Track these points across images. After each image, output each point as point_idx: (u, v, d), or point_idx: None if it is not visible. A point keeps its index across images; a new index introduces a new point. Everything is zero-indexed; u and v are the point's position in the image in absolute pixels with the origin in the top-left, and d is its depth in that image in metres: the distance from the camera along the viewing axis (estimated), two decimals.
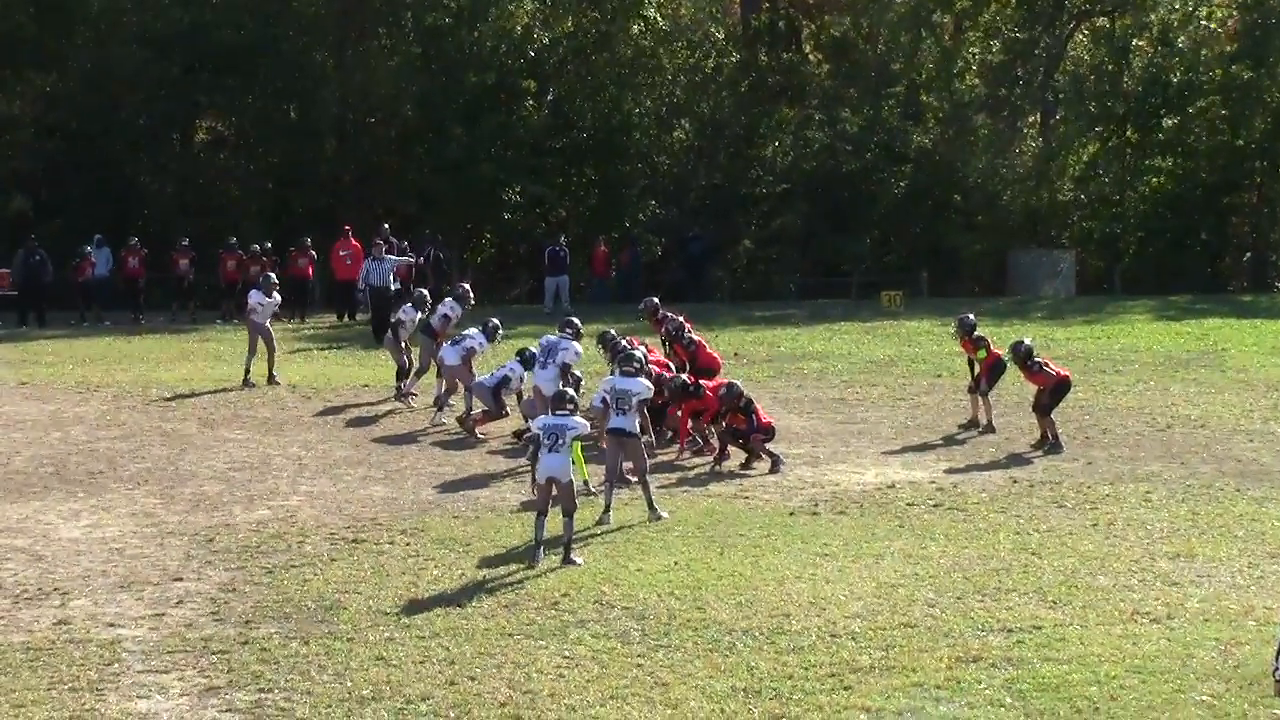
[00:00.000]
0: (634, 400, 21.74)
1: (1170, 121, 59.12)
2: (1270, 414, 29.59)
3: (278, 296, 33.54)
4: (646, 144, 56.22)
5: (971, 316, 29.97)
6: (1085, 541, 20.52)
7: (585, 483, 21.95)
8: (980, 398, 28.61)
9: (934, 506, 22.48)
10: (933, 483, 24.03)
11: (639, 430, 22.25)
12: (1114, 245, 59.16)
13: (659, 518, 21.56)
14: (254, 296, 32.95)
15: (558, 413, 20.39)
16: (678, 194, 56.73)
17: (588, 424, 20.84)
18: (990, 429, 28.16)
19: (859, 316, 43.81)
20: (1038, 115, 60.53)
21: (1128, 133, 58.97)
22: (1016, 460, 25.78)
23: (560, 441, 19.86)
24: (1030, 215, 57.89)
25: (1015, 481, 24.08)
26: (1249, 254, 60.40)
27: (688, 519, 21.67)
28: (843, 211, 55.20)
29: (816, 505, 22.64)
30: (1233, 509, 22.26)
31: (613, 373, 23.55)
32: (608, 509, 21.57)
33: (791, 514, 22.12)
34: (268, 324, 32.73)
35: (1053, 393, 27.15)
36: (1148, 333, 41.25)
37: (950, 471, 24.89)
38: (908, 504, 22.63)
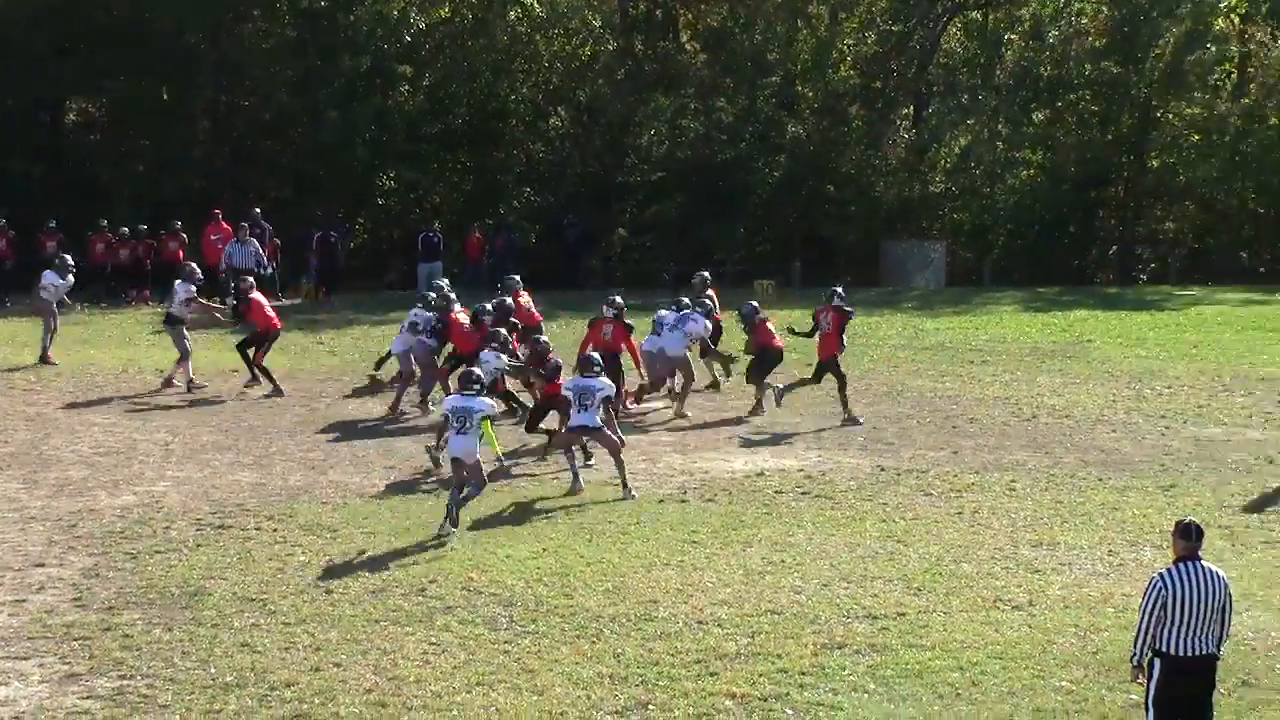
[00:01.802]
0: (597, 397, 22.01)
1: (1040, 115, 59.62)
2: (1133, 404, 29.92)
3: (71, 279, 33.79)
4: (522, 131, 56.05)
5: (754, 304, 30.75)
6: (950, 529, 20.69)
7: (499, 458, 21.99)
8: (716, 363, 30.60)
9: (802, 494, 22.59)
10: (801, 470, 24.13)
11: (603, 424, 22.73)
12: (984, 237, 59.59)
13: (632, 496, 22.13)
14: (48, 277, 33.37)
15: (465, 394, 20.73)
16: (553, 181, 56.57)
17: (495, 405, 21.46)
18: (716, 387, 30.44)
19: (732, 305, 43.82)
20: (911, 107, 60.84)
21: (999, 125, 59.41)
22: (885, 449, 25.92)
23: (468, 423, 20.35)
24: (902, 206, 58.16)
25: (882, 470, 24.22)
26: (1115, 247, 60.99)
27: (556, 506, 21.64)
28: (717, 200, 55.18)
29: (685, 493, 22.68)
30: (1095, 497, 22.50)
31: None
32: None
33: (660, 501, 22.15)
34: (54, 305, 33.22)
35: (760, 358, 28.57)
36: (1015, 324, 41.60)
37: (819, 460, 25.00)
38: (776, 492, 22.72)
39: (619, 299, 29.17)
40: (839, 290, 29.61)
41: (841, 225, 56.55)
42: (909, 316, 43.00)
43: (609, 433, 22.51)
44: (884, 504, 22.05)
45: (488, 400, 21.12)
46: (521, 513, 21.29)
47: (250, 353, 30.27)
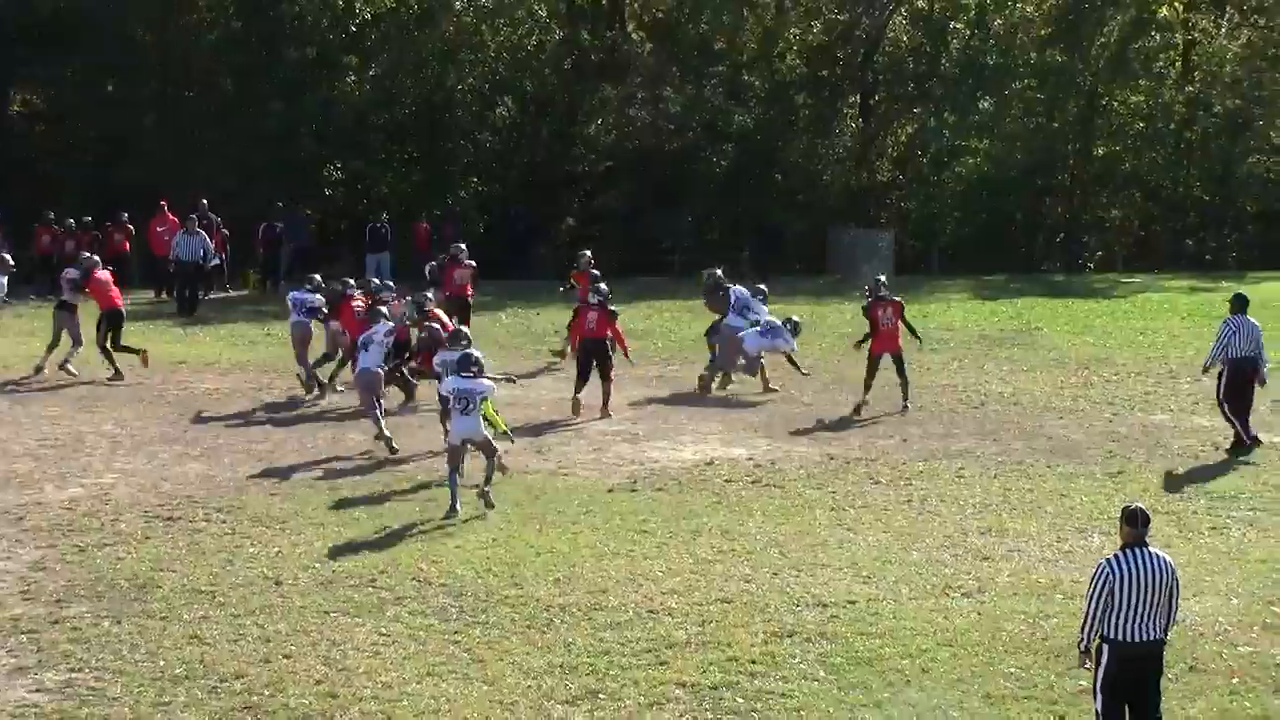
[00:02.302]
0: (476, 400, 21.56)
1: (986, 104, 59.76)
2: (1080, 392, 30.05)
3: (4, 280, 33.87)
4: (469, 121, 55.87)
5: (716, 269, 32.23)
6: (899, 517, 20.75)
7: (505, 433, 22.27)
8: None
9: (752, 483, 22.61)
10: (750, 459, 24.15)
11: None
12: (931, 225, 59.73)
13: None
14: None
15: (464, 376, 21.11)
16: (500, 171, 56.44)
17: (494, 384, 21.65)
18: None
19: (680, 294, 43.92)
20: (857, 96, 60.89)
21: (945, 114, 59.56)
22: (834, 437, 25.97)
23: (470, 405, 20.87)
24: (850, 195, 58.24)
25: (832, 458, 24.27)
26: (1062, 235, 61.23)
27: (506, 496, 21.61)
28: (666, 190, 55.18)
29: (635, 482, 22.69)
30: (1043, 485, 22.60)
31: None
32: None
33: (610, 491, 22.15)
34: None
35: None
36: (963, 312, 41.74)
37: (768, 448, 25.02)
38: (726, 481, 22.74)
39: (604, 286, 29.25)
40: (883, 279, 29.73)
41: (789, 214, 56.56)
42: (857, 305, 42.96)
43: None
44: (833, 492, 22.10)
45: (486, 381, 21.38)
46: (472, 503, 21.24)
47: (108, 339, 30.41)
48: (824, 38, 58.88)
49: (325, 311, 29.11)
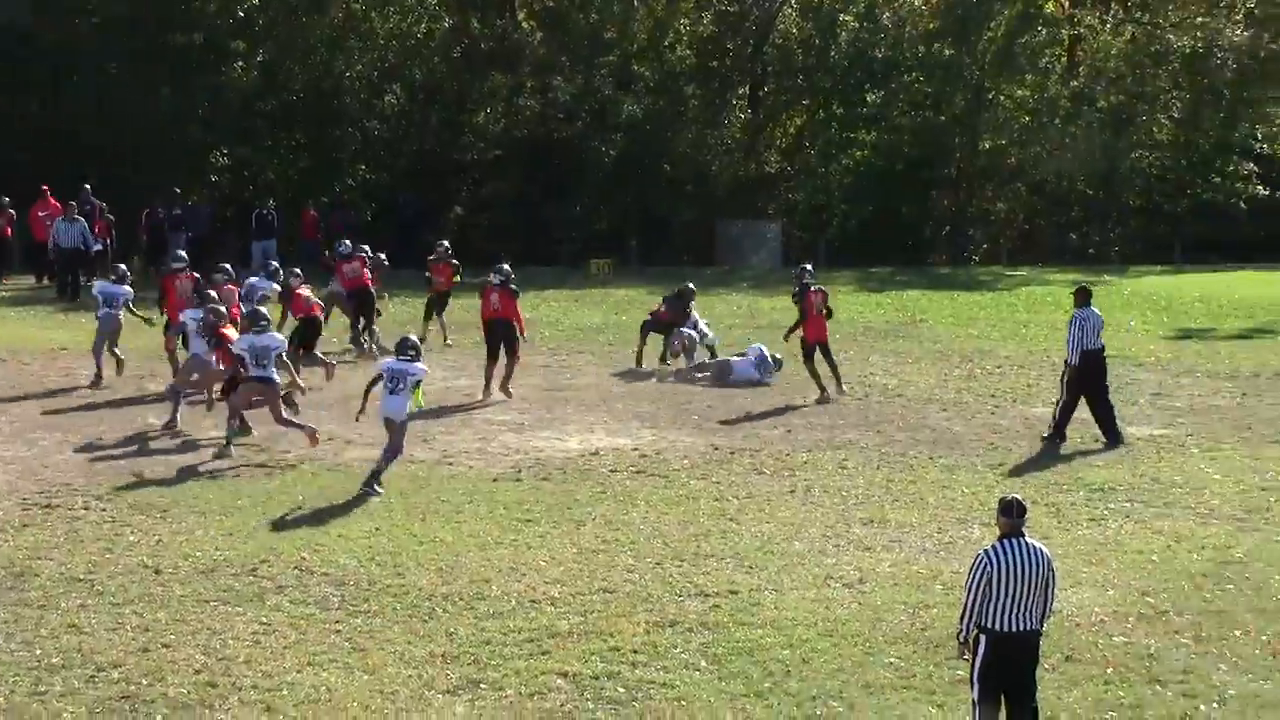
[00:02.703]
0: (409, 381, 21.70)
1: (874, 96, 60.09)
2: (964, 384, 30.26)
3: None
4: (358, 108, 55.64)
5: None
6: (782, 508, 20.84)
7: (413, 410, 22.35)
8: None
9: (636, 473, 22.65)
10: (635, 449, 24.19)
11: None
12: (819, 217, 59.98)
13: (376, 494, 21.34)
14: None
15: (401, 358, 21.56)
16: (389, 159, 56.29)
17: (426, 369, 22.07)
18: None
19: (568, 284, 43.93)
20: (747, 87, 61.06)
21: (834, 106, 59.82)
22: (719, 428, 26.04)
23: (401, 385, 21.28)
24: (738, 186, 58.40)
25: (716, 449, 24.33)
26: (948, 227, 61.64)
27: (390, 485, 21.56)
28: (555, 179, 55.16)
29: (520, 472, 22.68)
30: (925, 476, 22.75)
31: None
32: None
33: (495, 480, 22.13)
34: None
35: None
36: (849, 304, 41.87)
37: (653, 439, 25.06)
38: (610, 471, 22.77)
39: (506, 266, 29.48)
40: (809, 268, 30.21)
41: (678, 204, 56.67)
42: (745, 296, 43.24)
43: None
44: (717, 482, 22.16)
45: (422, 365, 21.75)
46: (355, 491, 21.17)
47: None
48: (714, 28, 59.02)
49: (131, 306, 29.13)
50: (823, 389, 28.54)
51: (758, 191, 59.27)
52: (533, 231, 53.66)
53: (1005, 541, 12.76)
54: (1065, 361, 25.71)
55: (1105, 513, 20.85)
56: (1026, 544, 12.77)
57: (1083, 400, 25.31)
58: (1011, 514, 12.79)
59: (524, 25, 58.96)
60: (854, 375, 30.73)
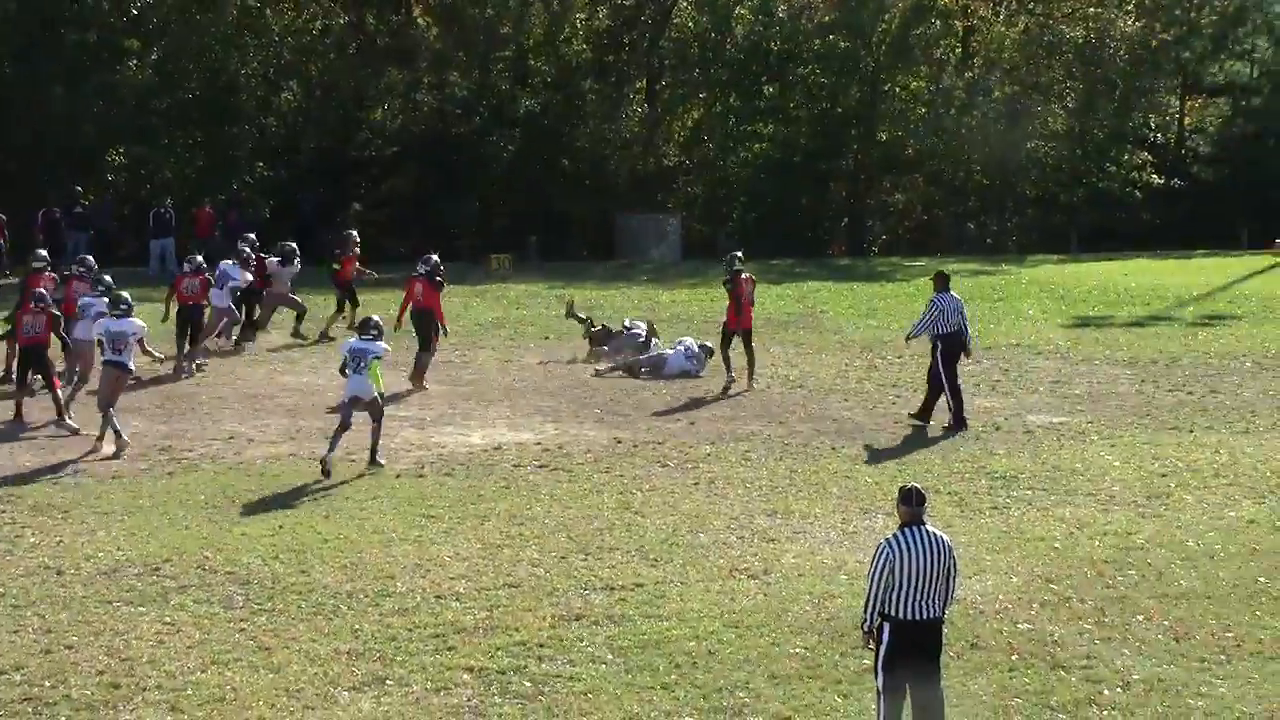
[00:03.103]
0: (369, 359, 22.52)
1: (771, 89, 60.28)
2: (864, 374, 30.42)
3: None
4: (254, 105, 55.34)
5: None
6: (686, 500, 20.87)
7: (380, 394, 22.87)
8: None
9: (539, 467, 22.63)
10: (538, 444, 24.17)
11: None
12: (719, 209, 60.13)
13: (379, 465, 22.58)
14: None
15: (363, 338, 22.65)
16: (286, 155, 56.00)
17: (388, 348, 23.27)
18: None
19: (468, 280, 43.82)
20: (644, 81, 61.11)
21: (731, 99, 59.94)
22: (622, 421, 26.05)
23: (362, 364, 22.31)
24: (637, 179, 58.46)
25: (619, 442, 24.34)
26: (846, 219, 61.92)
27: (293, 482, 21.46)
28: (453, 175, 55.04)
29: (423, 467, 22.62)
30: (828, 466, 22.84)
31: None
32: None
33: (398, 477, 22.06)
34: None
35: None
36: None
37: (556, 433, 25.05)
38: (514, 465, 22.75)
39: (434, 257, 30.01)
40: (739, 255, 30.37)
41: (577, 199, 56.65)
42: (644, 289, 43.25)
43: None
44: (621, 476, 22.17)
45: (382, 344, 22.73)
46: (258, 489, 21.07)
47: None
48: (609, 23, 59.04)
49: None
50: (731, 377, 28.66)
51: (656, 185, 59.30)
52: (431, 227, 53.49)
53: (906, 530, 12.81)
54: (906, 336, 26.98)
55: (1008, 501, 20.99)
56: (927, 532, 12.83)
57: (943, 382, 25.83)
58: (911, 502, 12.85)
59: (419, 21, 58.77)
60: (757, 368, 30.80)
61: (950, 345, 25.77)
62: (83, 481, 21.62)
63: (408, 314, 29.30)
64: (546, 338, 34.26)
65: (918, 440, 24.60)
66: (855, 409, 27.05)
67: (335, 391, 27.88)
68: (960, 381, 26.02)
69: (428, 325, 28.81)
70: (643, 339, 31.35)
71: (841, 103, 59.84)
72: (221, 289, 30.66)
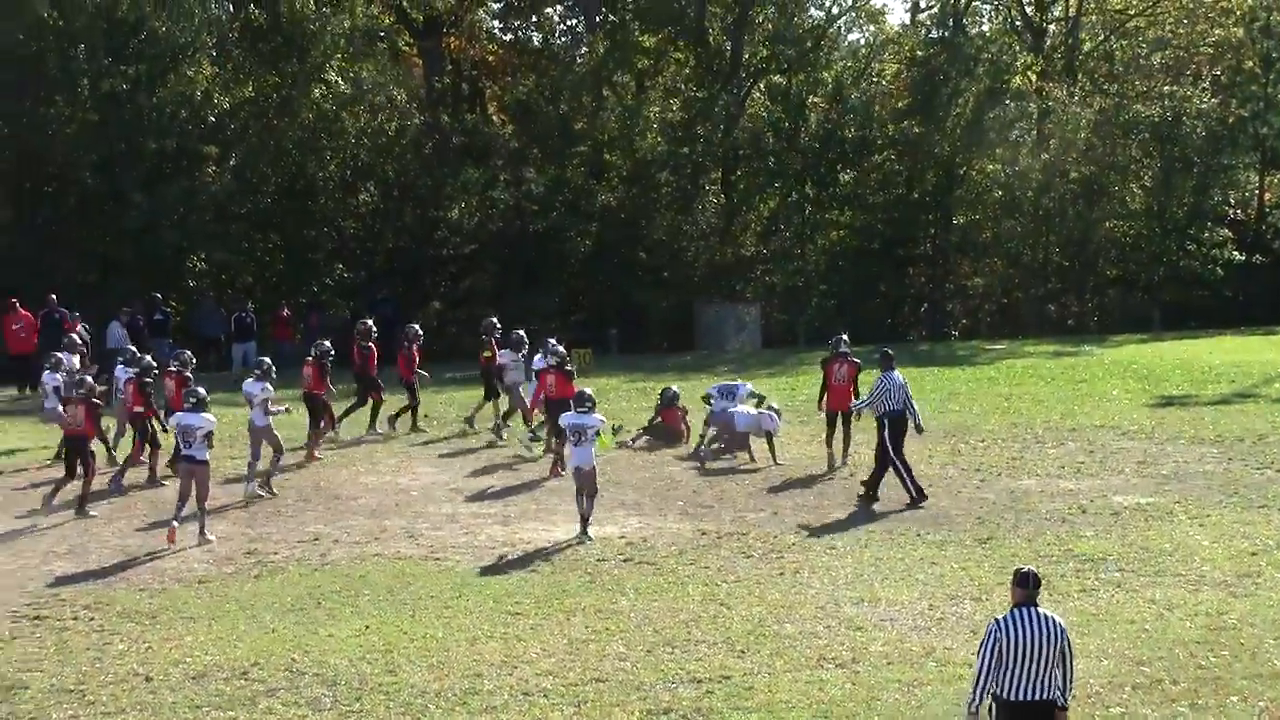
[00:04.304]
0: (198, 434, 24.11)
1: (846, 176, 60.42)
2: (948, 459, 30.31)
3: None
4: (331, 207, 55.82)
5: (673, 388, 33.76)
6: (772, 590, 20.84)
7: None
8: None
9: (624, 561, 22.64)
10: (622, 537, 24.19)
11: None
12: (797, 298, 60.14)
13: None
14: None
15: (579, 411, 24.37)
16: (364, 257, 56.43)
17: (604, 419, 25.15)
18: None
19: None
20: (719, 171, 61.30)
21: (806, 187, 60.06)
22: (705, 512, 26.04)
23: (584, 438, 24.14)
24: (714, 270, 58.56)
25: (704, 534, 24.34)
26: (926, 304, 61.84)
27: (378, 582, 21.54)
28: (531, 270, 55.34)
29: (508, 564, 22.65)
30: (913, 553, 22.77)
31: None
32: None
33: (482, 574, 22.10)
34: None
35: None
36: None
37: (640, 526, 25.06)
38: (598, 560, 22.76)
39: (561, 348, 31.25)
40: (845, 338, 30.90)
41: (655, 291, 56.77)
42: (724, 379, 43.16)
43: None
44: (706, 567, 22.16)
45: (599, 416, 24.75)
46: (344, 590, 21.15)
47: None
48: (684, 115, 59.30)
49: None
50: (831, 464, 29.57)
51: (734, 274, 59.39)
52: (511, 323, 53.64)
53: (1018, 610, 12.88)
54: (855, 411, 28.61)
55: (1096, 583, 20.88)
56: (1039, 613, 12.88)
57: (891, 458, 26.72)
58: (1027, 585, 12.97)
59: (495, 119, 59.21)
60: (836, 451, 30.75)
61: (895, 423, 26.77)
62: (169, 586, 21.77)
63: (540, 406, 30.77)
64: (628, 432, 34.19)
65: (1003, 525, 24.47)
66: (939, 495, 26.95)
67: (418, 490, 28.04)
68: (905, 458, 26.78)
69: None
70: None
71: (917, 187, 59.91)
72: (255, 407, 28.75)
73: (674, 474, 29.59)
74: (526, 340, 34.28)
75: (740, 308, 56.36)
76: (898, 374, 27.14)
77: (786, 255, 60.38)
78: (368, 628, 19.36)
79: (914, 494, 26.34)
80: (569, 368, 30.22)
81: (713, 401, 31.76)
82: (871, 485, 26.65)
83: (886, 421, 26.75)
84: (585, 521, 24.16)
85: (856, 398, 29.34)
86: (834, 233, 60.87)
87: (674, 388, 33.94)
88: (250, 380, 29.23)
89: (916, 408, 27.42)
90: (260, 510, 26.63)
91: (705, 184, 60.47)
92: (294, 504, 26.85)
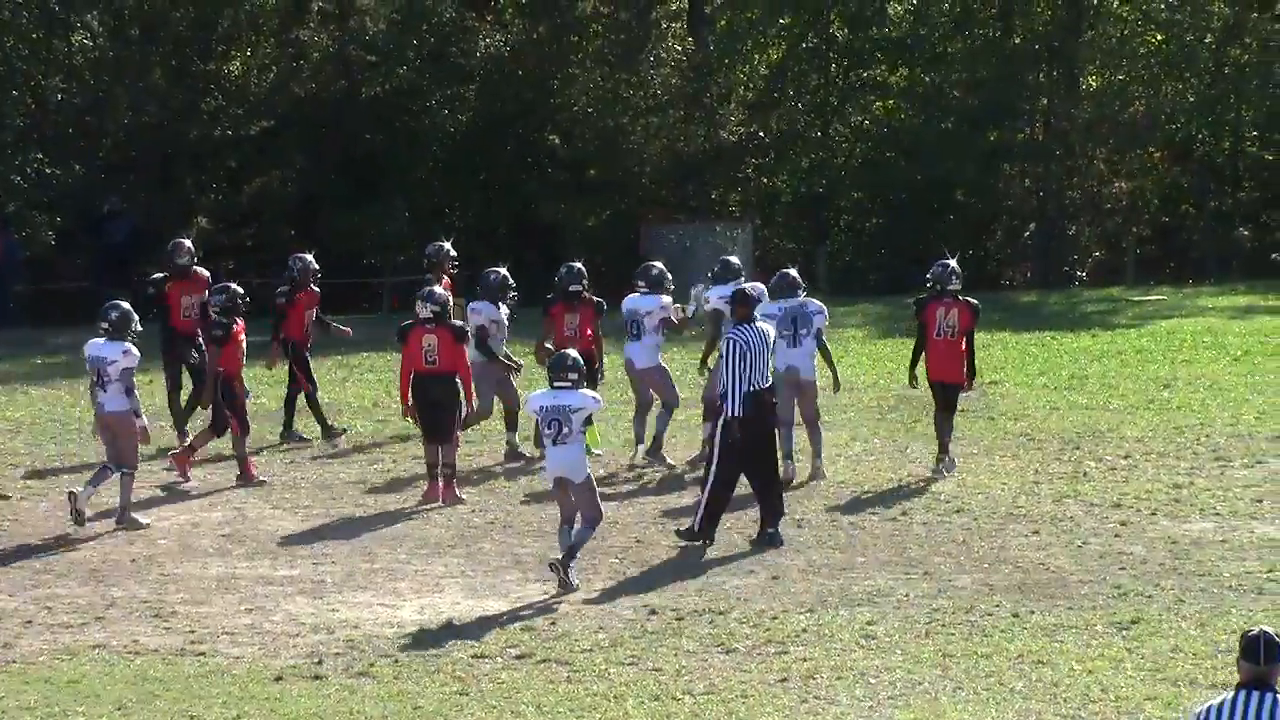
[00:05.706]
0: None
1: (899, 6, 60.82)
2: (1067, 487, 30.43)
3: None
4: (25, 53, 56.04)
5: None
6: (768, 709, 20.84)
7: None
8: None
9: (518, 658, 22.55)
10: (516, 617, 24.10)
11: None
12: (813, 213, 60.48)
13: None
14: None
15: (557, 386, 25.91)
16: (81, 140, 56.62)
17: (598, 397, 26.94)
18: None
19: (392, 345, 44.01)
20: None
21: (833, 26, 60.33)
22: (654, 575, 26.03)
23: (565, 430, 25.74)
24: (677, 166, 58.86)
25: (653, 612, 24.13)
26: (1032, 227, 62.23)
27: (100, 694, 21.51)
28: (366, 165, 55.79)
29: (321, 663, 22.53)
30: (1007, 647, 22.69)
31: None
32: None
33: (278, 680, 21.97)
34: None
35: None
36: (866, 356, 42.14)
37: (544, 597, 24.92)
38: (474, 656, 22.63)
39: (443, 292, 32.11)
40: (953, 266, 31.78)
41: (577, 202, 57.52)
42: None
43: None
44: (657, 670, 21.80)
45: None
46: (36, 706, 21.17)
47: None
48: None
49: None
50: (944, 466, 31.05)
51: (709, 174, 60.04)
52: (332, 252, 53.88)
53: (1244, 691, 13.00)
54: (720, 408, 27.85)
55: None
56: (1275, 699, 13.00)
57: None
58: (1259, 658, 13.04)
59: None
60: (883, 477, 30.89)
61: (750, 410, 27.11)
62: None
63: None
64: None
65: (1159, 598, 24.42)
66: (1051, 547, 26.99)
67: (172, 534, 28.05)
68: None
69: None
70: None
71: (1020, 27, 60.17)
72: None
73: (607, 501, 29.44)
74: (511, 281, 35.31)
75: (720, 228, 56.40)
76: (760, 326, 27.58)
77: (797, 142, 60.48)
78: None
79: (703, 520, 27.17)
80: (457, 324, 30.31)
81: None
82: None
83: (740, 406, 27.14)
84: (568, 560, 25.34)
85: (972, 362, 30.32)
86: (877, 103, 61.05)
87: None
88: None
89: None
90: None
91: (661, 17, 60.46)
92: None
